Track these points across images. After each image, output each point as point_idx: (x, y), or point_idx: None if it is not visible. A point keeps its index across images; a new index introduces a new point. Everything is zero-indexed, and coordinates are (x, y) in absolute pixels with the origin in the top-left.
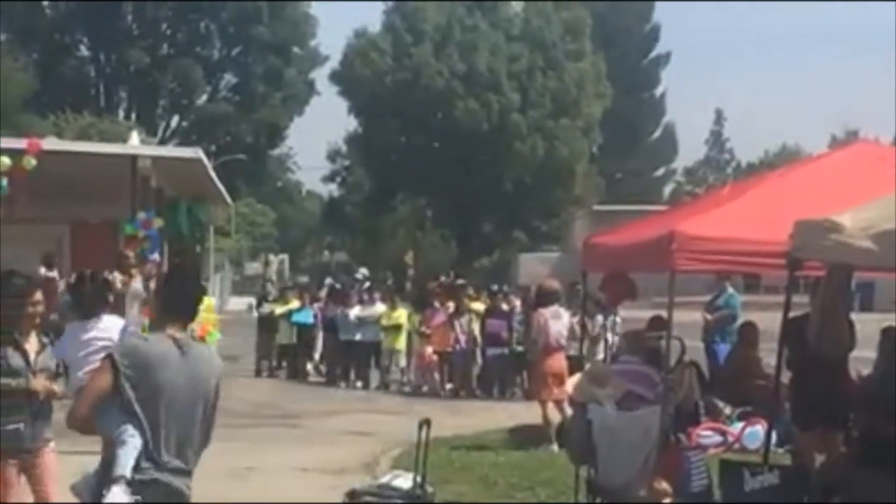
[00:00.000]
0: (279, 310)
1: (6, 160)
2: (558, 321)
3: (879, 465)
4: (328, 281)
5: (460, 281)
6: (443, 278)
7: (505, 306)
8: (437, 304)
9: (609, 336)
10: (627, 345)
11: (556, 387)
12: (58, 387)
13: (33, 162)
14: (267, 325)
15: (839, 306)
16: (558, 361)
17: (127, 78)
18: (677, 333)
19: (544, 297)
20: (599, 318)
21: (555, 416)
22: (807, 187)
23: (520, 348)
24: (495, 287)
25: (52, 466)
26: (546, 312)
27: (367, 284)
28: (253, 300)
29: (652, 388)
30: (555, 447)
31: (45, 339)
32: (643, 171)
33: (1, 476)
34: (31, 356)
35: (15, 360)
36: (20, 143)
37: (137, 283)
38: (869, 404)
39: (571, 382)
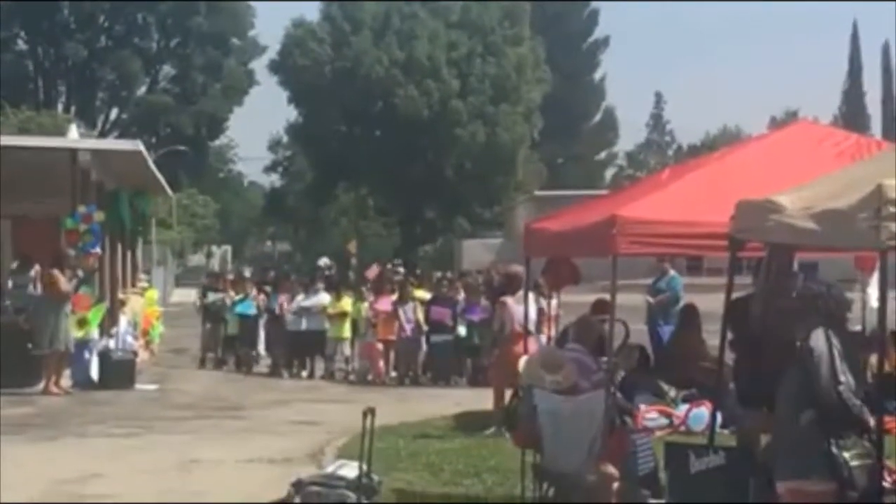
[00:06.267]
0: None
1: None
2: (522, 306)
3: None
4: (272, 273)
5: (400, 270)
6: (387, 265)
7: (450, 293)
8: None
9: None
10: (575, 332)
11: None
12: None
13: None
14: (212, 316)
15: (782, 286)
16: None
17: (65, 71)
18: (620, 317)
19: (511, 284)
20: (542, 301)
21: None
22: (747, 168)
23: (462, 333)
24: (439, 274)
25: None
26: (510, 299)
27: (329, 273)
28: (196, 291)
29: (589, 377)
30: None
31: None
32: (584, 155)
33: None
34: None
35: None
36: None
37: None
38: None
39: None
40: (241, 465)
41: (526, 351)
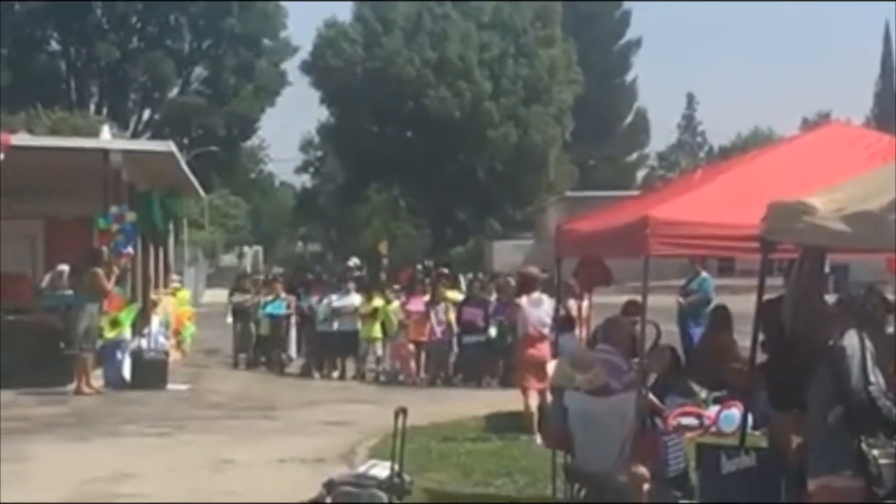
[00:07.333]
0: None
1: None
2: (539, 308)
3: None
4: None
5: (444, 271)
6: (419, 266)
7: (483, 294)
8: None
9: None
10: (604, 332)
11: (538, 375)
12: None
13: (1, 157)
14: (241, 316)
15: (813, 288)
16: (540, 350)
17: (98, 72)
18: (652, 318)
19: (525, 285)
20: (572, 302)
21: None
22: (779, 170)
23: (494, 334)
24: (471, 275)
25: None
26: (524, 300)
27: (359, 273)
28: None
29: (620, 378)
30: (538, 439)
31: None
32: (616, 156)
33: None
34: None
35: None
36: None
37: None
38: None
39: (552, 366)
40: (272, 466)
41: (541, 353)
